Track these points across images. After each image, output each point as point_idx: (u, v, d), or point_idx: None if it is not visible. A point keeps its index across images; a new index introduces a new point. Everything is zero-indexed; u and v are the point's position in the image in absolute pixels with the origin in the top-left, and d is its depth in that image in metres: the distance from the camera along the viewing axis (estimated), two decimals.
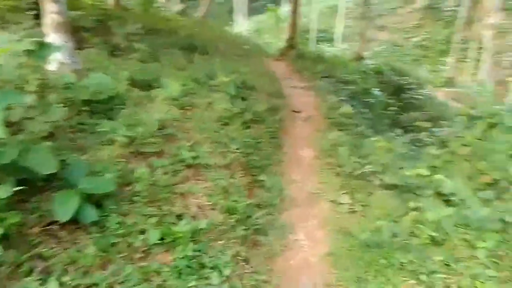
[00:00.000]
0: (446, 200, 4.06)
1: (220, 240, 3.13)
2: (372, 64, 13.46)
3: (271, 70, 9.93)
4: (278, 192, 4.60)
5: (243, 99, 5.77)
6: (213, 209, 3.38)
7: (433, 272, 2.95)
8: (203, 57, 7.50)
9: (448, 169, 4.88)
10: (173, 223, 2.95)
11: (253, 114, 5.41)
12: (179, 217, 3.07)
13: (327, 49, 19.19)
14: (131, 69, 5.10)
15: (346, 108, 7.02)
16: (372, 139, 5.55)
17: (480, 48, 23.26)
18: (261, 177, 4.64)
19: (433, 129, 7.48)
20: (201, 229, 2.96)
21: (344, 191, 4.71)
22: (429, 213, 3.46)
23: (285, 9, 25.56)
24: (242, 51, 11.07)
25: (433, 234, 3.24)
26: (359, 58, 14.43)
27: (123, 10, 9.72)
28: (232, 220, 3.36)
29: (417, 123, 9.52)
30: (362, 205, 4.44)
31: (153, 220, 2.89)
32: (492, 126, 5.66)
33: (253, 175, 4.56)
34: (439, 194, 4.14)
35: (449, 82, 18.19)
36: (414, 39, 27.90)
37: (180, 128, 4.23)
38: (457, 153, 5.43)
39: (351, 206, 4.48)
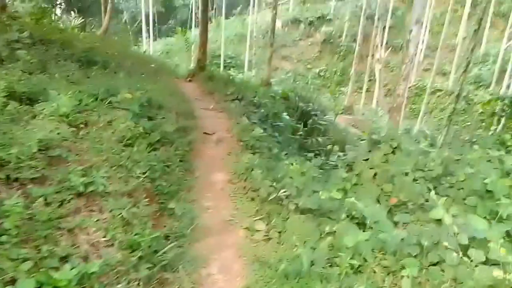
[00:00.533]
0: (360, 223, 4.04)
1: (118, 284, 2.58)
2: (279, 90, 13.83)
3: (181, 90, 9.51)
4: (189, 221, 4.15)
5: (150, 118, 5.25)
6: (110, 246, 2.81)
7: None
8: (104, 72, 6.80)
9: (358, 192, 4.95)
10: (55, 268, 2.33)
11: (161, 135, 4.92)
12: (64, 259, 2.45)
13: (236, 74, 19.43)
14: (10, 79, 4.26)
15: (258, 131, 6.90)
16: (286, 162, 5.44)
17: (371, 79, 25.88)
18: (170, 205, 4.15)
19: (339, 153, 7.77)
20: (92, 273, 2.38)
21: (260, 217, 4.47)
22: (346, 238, 3.34)
23: (194, 33, 25.49)
24: (150, 69, 10.47)
25: (353, 262, 3.10)
26: (267, 84, 14.75)
27: (10, 17, 8.48)
28: (134, 258, 2.83)
29: (323, 147, 9.93)
30: (279, 231, 4.22)
31: (27, 265, 2.24)
32: (393, 149, 5.97)
33: (160, 203, 4.06)
34: (352, 218, 4.11)
35: (347, 110, 19.67)
36: (315, 70, 29.94)
37: (71, 150, 3.57)
38: (364, 176, 5.57)
39: (267, 233, 4.24)
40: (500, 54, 23.37)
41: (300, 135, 10.51)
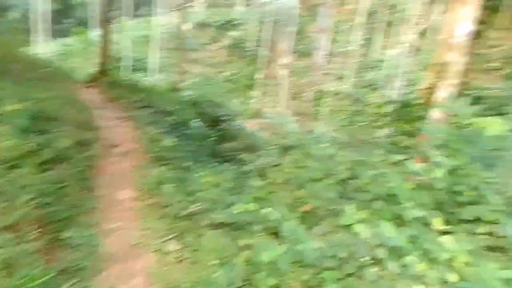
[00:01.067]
0: (277, 234, 4.00)
1: None
2: (189, 96, 13.51)
3: (81, 98, 8.65)
4: (90, 250, 3.69)
5: (41, 132, 4.60)
6: None
7: None
8: None
9: (272, 200, 4.93)
10: None
11: (55, 152, 4.33)
12: None
13: (143, 78, 18.54)
14: None
15: (168, 141, 6.56)
16: (199, 174, 5.22)
17: (278, 84, 26.83)
18: (66, 233, 3.65)
19: (251, 159, 7.76)
20: None
21: (172, 236, 4.18)
22: (263, 254, 3.25)
23: (94, 33, 23.74)
24: (44, 74, 9.35)
25: (270, 280, 3.01)
26: (176, 89, 14.32)
27: None
28: None
29: (235, 153, 9.88)
30: (193, 250, 3.98)
31: None
32: (304, 154, 6.11)
33: (54, 233, 3.53)
34: (268, 229, 4.06)
35: (256, 114, 20.06)
36: (224, 74, 30.08)
37: None
38: (276, 183, 5.60)
39: (180, 253, 3.97)
40: (389, 60, 25.99)
41: (212, 141, 10.34)
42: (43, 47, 24.78)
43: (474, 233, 3.00)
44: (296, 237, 3.45)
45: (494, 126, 3.66)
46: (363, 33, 28.21)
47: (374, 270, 2.74)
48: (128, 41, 26.10)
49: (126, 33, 26.60)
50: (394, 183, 3.63)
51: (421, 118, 9.30)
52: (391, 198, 3.55)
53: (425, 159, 4.24)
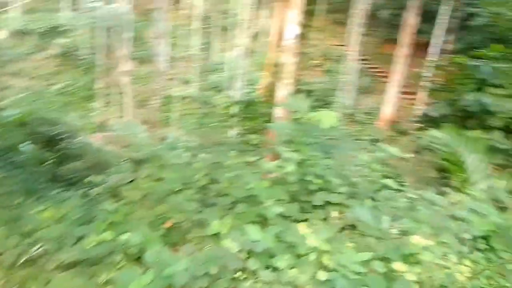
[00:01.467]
0: (140, 261, 3.66)
1: None
2: (13, 115, 11.49)
3: None
4: None
5: None
6: None
7: None
8: None
9: (130, 223, 4.53)
10: None
11: None
12: None
13: None
14: None
15: None
16: (36, 208, 4.41)
17: (121, 92, 25.32)
18: None
19: (100, 179, 7.03)
20: None
21: None
22: (130, 287, 2.91)
23: None
24: None
25: None
26: None
27: None
28: None
29: (81, 174, 8.83)
30: None
31: None
32: (160, 166, 5.82)
33: None
34: (130, 257, 3.69)
35: (101, 126, 18.49)
36: (56, 86, 26.82)
37: None
38: (133, 201, 5.20)
39: None
40: (228, 63, 27.23)
41: (50, 165, 9.04)
42: None
43: (327, 218, 3.27)
44: (162, 260, 3.20)
45: (327, 118, 4.08)
46: (201, 38, 28.87)
47: (248, 283, 2.71)
48: None
49: None
50: (252, 184, 3.71)
51: (265, 115, 10.00)
52: (251, 199, 3.62)
53: (276, 156, 4.50)
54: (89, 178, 7.48)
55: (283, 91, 5.19)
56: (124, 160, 8.66)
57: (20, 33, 29.67)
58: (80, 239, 3.96)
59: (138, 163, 7.01)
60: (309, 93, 21.57)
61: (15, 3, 31.70)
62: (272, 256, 2.88)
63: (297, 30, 5.33)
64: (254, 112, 11.37)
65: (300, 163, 3.96)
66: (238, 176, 4.67)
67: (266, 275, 2.71)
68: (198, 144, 11.53)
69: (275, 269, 2.75)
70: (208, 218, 3.89)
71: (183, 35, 27.98)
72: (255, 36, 28.25)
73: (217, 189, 4.97)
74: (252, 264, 2.79)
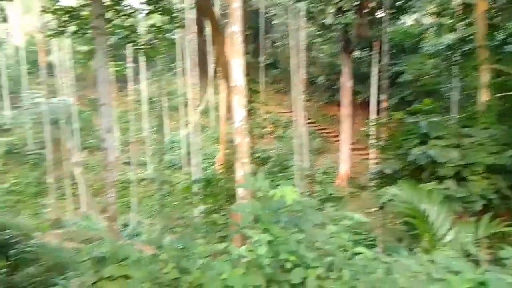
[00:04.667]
0: None
1: None
2: None
3: None
4: None
5: None
6: None
7: None
8: None
9: None
10: None
11: None
12: None
13: None
14: None
15: None
16: None
17: (74, 183, 24.42)
18: None
19: (59, 282, 6.55)
20: None
21: None
22: None
23: None
24: None
25: None
26: None
27: None
28: None
29: (39, 279, 8.17)
30: None
31: None
32: (123, 266, 5.56)
33: None
34: None
35: (56, 223, 17.47)
36: (3, 186, 25.48)
37: None
38: None
39: None
40: (182, 141, 27.52)
41: (4, 273, 8.38)
42: None
43: None
44: None
45: (289, 194, 4.20)
46: (151, 119, 29.26)
47: None
48: None
49: None
50: (226, 273, 3.64)
51: (227, 190, 10.04)
52: None
53: (244, 239, 4.49)
54: (48, 283, 6.96)
55: (241, 171, 5.34)
56: (84, 259, 8.17)
57: None
58: None
59: (99, 261, 6.65)
60: (266, 160, 22.11)
61: None
62: None
63: (244, 112, 5.64)
64: (215, 189, 11.38)
65: (270, 243, 3.97)
66: (209, 264, 4.58)
67: None
68: (162, 227, 11.20)
69: None
70: None
71: (133, 119, 28.24)
72: (204, 113, 29.10)
73: (189, 281, 4.80)
74: None
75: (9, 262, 9.25)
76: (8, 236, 10.38)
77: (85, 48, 28.89)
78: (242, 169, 5.26)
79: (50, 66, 29.19)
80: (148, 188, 25.96)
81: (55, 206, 21.82)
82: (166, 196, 22.44)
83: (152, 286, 4.72)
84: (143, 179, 26.26)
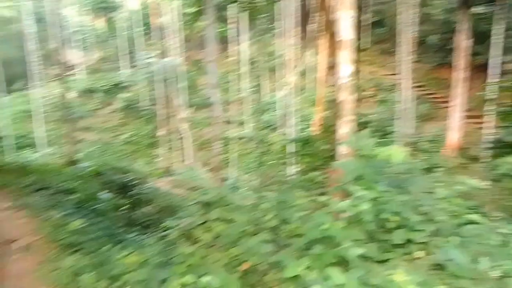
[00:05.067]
0: None
1: None
2: (88, 167, 12.53)
3: None
4: None
5: None
6: None
7: None
8: None
9: (207, 265, 4.67)
10: None
11: None
12: None
13: (32, 156, 16.73)
14: None
15: (76, 223, 5.87)
16: (121, 253, 4.72)
17: (181, 138, 26.61)
18: None
19: (172, 222, 7.35)
20: None
21: None
22: None
23: None
24: None
25: None
26: (72, 162, 13.20)
27: None
28: None
29: (154, 218, 9.29)
30: None
31: None
32: (227, 209, 5.99)
33: None
34: None
35: (166, 172, 19.43)
36: (122, 137, 28.84)
37: None
38: (206, 244, 5.36)
39: None
40: (279, 102, 27.79)
41: (126, 210, 9.66)
42: None
43: (410, 258, 3.17)
44: None
45: (397, 153, 4.04)
46: (251, 80, 29.91)
47: None
48: (5, 118, 23.63)
49: (2, 110, 24.12)
50: (327, 224, 3.71)
51: (324, 151, 9.99)
52: (327, 240, 3.60)
53: (345, 194, 4.47)
54: (162, 222, 7.87)
55: (344, 128, 5.23)
56: (191, 203, 9.02)
57: (87, 92, 32.78)
58: (163, 282, 4.14)
59: (206, 205, 7.26)
60: (365, 124, 21.27)
61: (81, 66, 35.31)
62: None
63: (351, 68, 5.43)
64: (312, 149, 11.39)
65: (373, 201, 3.91)
66: (309, 216, 4.69)
67: None
68: (259, 183, 11.71)
69: None
70: (284, 260, 3.91)
71: (233, 80, 29.23)
72: (302, 74, 28.72)
73: (288, 229, 5.01)
74: None
75: (128, 201, 10.67)
76: (128, 179, 11.91)
77: (192, 9, 30.30)
78: (345, 127, 5.16)
79: (161, 28, 31.37)
80: (246, 146, 27.15)
81: (165, 156, 24.13)
82: (262, 154, 23.25)
83: (254, 230, 5.06)
84: (241, 138, 27.47)
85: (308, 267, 3.46)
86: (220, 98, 28.48)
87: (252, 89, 30.02)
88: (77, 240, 5.40)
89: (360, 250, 3.24)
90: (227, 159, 24.22)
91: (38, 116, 24.78)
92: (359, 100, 21.16)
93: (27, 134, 25.41)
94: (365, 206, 3.68)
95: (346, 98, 5.28)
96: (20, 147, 23.15)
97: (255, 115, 27.69)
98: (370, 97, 24.87)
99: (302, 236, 4.32)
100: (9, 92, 29.66)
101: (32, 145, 24.17)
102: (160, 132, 25.96)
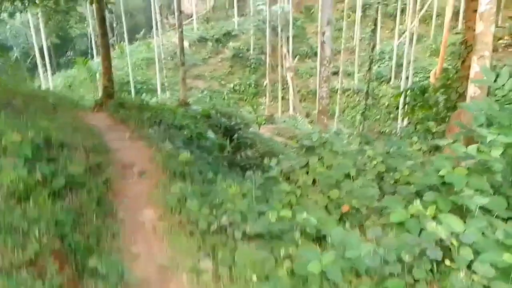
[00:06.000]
0: (317, 241, 3.63)
1: None
2: (198, 109, 13.29)
3: (89, 123, 8.44)
4: (117, 278, 3.36)
5: (49, 161, 4.32)
6: None
7: None
8: None
9: (305, 205, 4.56)
10: None
11: (67, 179, 4.04)
12: None
13: (149, 99, 18.43)
14: None
15: (185, 155, 6.23)
16: (222, 185, 4.87)
17: (285, 88, 26.54)
18: (90, 263, 3.33)
19: (273, 164, 7.39)
20: None
21: (203, 254, 3.82)
22: (310, 265, 2.87)
23: (96, 61, 23.84)
24: (48, 105, 9.20)
25: None
26: (184, 104, 14.11)
27: None
28: None
29: (253, 161, 9.55)
30: (228, 267, 3.62)
31: None
32: (331, 152, 5.73)
33: (76, 264, 3.22)
34: (308, 236, 3.69)
35: (269, 119, 19.76)
36: (229, 85, 29.93)
37: None
38: (306, 185, 5.23)
39: (215, 271, 3.61)
40: (394, 51, 25.51)
41: (229, 151, 10.09)
42: (47, 80, 24.97)
43: None
44: (343, 242, 3.07)
45: None
46: (362, 27, 27.82)
47: (455, 277, 2.29)
48: (129, 65, 26.21)
49: (127, 57, 26.74)
50: (445, 170, 3.22)
51: (445, 102, 8.87)
52: (444, 187, 3.15)
53: (469, 140, 3.84)
54: (263, 163, 8.00)
55: (478, 64, 4.41)
56: (293, 148, 8.96)
57: (200, 41, 34.31)
58: (260, 214, 4.17)
59: (308, 150, 7.10)
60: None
61: (194, 16, 36.75)
62: (478, 252, 2.41)
63: None
64: (428, 100, 10.23)
65: (505, 149, 3.27)
66: (422, 164, 4.20)
67: (484, 270, 2.23)
68: (364, 135, 11.05)
69: (491, 265, 2.27)
70: (390, 206, 3.58)
71: (343, 27, 27.52)
72: (424, 20, 25.67)
73: (395, 177, 4.59)
74: (459, 256, 2.37)
75: (233, 144, 11.10)
76: (233, 124, 12.36)
77: None
78: (480, 63, 4.35)
79: None
80: (351, 99, 25.97)
81: (269, 105, 24.46)
82: (371, 107, 21.98)
83: (357, 174, 4.75)
84: (348, 89, 26.29)
85: (416, 214, 3.09)
86: (329, 45, 27.20)
87: (364, 37, 28.03)
88: (185, 170, 5.74)
89: (483, 200, 2.74)
90: (331, 110, 23.56)
91: (156, 64, 26.97)
92: (494, 49, 18.28)
93: (146, 80, 27.97)
94: (495, 153, 3.08)
95: (485, 29, 4.40)
96: (139, 92, 25.70)
97: (364, 66, 26.02)
98: (505, 46, 21.29)
99: (411, 184, 3.90)
100: (132, 41, 32.66)
101: (150, 91, 26.62)
102: (265, 81, 26.21)
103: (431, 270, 2.44)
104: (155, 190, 5.20)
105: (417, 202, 3.20)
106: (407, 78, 21.94)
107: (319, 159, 5.64)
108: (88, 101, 13.82)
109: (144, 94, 23.82)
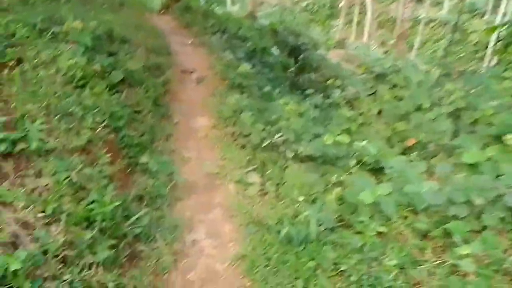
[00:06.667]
0: (374, 171, 3.37)
1: (57, 279, 1.87)
2: (266, 23, 12.63)
3: (153, 23, 8.34)
4: (167, 177, 3.42)
5: (110, 54, 4.28)
6: (52, 222, 2.06)
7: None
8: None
9: (365, 133, 4.24)
10: None
11: (126, 74, 4.01)
12: None
13: (217, 9, 17.84)
14: None
15: (246, 67, 5.99)
16: (279, 102, 4.63)
17: (361, 12, 24.37)
18: (142, 159, 3.40)
19: (337, 89, 6.94)
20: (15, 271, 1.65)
21: (252, 168, 3.75)
22: (363, 193, 2.65)
23: None
24: (116, 2, 9.13)
25: (375, 227, 2.42)
26: (252, 16, 13.47)
27: None
28: (88, 237, 2.10)
29: (317, 84, 9.07)
30: (276, 184, 3.53)
31: None
32: (402, 82, 5.19)
33: (128, 158, 3.28)
34: (364, 165, 3.43)
35: (339, 44, 18.50)
36: (302, 4, 28.09)
37: None
38: (370, 114, 4.85)
39: (262, 187, 3.55)
40: None
41: (292, 71, 9.64)
42: None
43: None
44: (403, 175, 2.79)
45: None
46: None
47: None
48: None
49: None
50: None
51: None
52: None
53: None
54: (326, 87, 7.56)
55: None
56: (361, 75, 8.33)
57: None
58: (315, 136, 3.94)
59: (377, 78, 6.53)
60: None
61: None
62: None
63: None
64: None
65: None
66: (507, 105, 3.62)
67: None
68: (442, 71, 10.00)
69: None
70: (463, 146, 3.16)
71: None
72: None
73: (474, 116, 4.05)
74: None
75: (297, 64, 10.56)
76: (300, 43, 11.64)
77: None
78: None
79: None
80: (435, 31, 23.34)
81: (341, 29, 22.83)
82: (454, 43, 19.64)
83: (430, 107, 4.26)
84: (433, 20, 23.49)
85: (495, 157, 2.68)
86: None
87: None
88: (243, 82, 5.54)
89: None
90: (409, 42, 21.47)
91: None
92: None
93: None
94: None
95: None
96: (208, 2, 24.95)
97: None
98: None
99: (491, 124, 3.40)
100: None
101: (219, 2, 25.74)
102: (342, 3, 24.16)
103: (503, 219, 2.12)
104: (212, 99, 5.10)
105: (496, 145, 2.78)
106: (504, 14, 18.98)
107: (389, 88, 5.15)
108: (156, 2, 13.64)
109: (213, 5, 23.15)
